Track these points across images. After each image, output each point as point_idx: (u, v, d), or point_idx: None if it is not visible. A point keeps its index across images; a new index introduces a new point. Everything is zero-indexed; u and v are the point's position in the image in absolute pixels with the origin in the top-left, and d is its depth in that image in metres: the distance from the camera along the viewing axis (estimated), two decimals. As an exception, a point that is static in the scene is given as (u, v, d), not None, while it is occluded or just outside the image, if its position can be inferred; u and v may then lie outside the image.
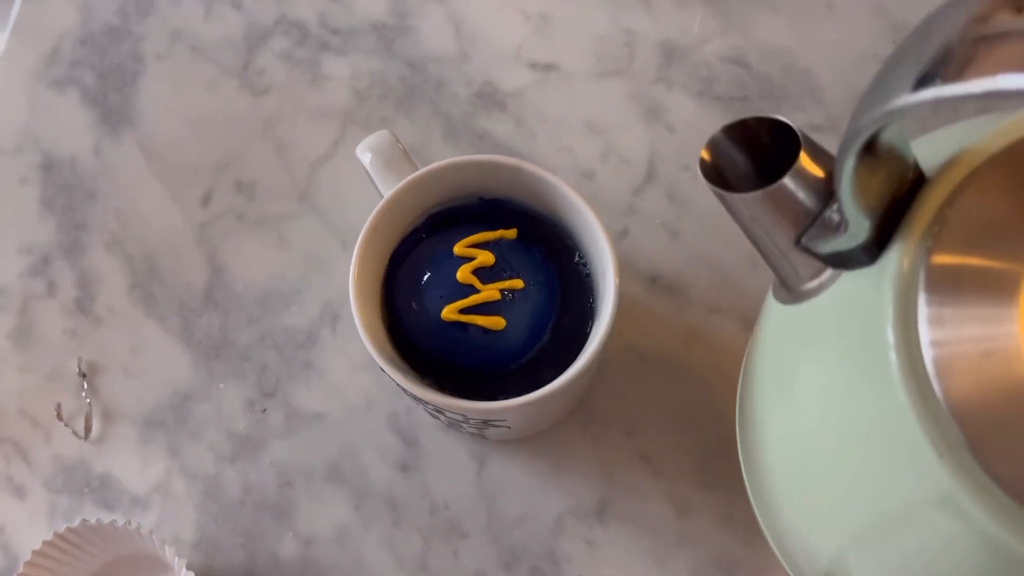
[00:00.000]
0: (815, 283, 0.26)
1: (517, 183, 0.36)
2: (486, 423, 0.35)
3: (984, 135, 0.25)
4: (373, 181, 0.37)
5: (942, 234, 0.23)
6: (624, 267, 0.43)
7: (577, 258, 0.37)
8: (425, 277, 0.36)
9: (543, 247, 0.37)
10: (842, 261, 0.25)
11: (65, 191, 0.47)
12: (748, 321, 0.43)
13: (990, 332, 0.22)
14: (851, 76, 0.46)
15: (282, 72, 0.48)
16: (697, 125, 0.46)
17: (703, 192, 0.45)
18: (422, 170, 0.35)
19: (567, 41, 0.48)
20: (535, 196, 0.36)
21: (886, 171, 0.24)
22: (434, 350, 0.36)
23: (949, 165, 0.25)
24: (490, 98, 0.47)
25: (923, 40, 0.20)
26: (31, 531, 0.42)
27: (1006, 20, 0.18)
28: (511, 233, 0.36)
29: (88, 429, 0.43)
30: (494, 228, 0.36)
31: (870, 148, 0.22)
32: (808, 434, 0.28)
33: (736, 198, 0.25)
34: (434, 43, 0.48)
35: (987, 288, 0.23)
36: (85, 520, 0.38)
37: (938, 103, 0.19)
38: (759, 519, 0.33)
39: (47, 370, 0.44)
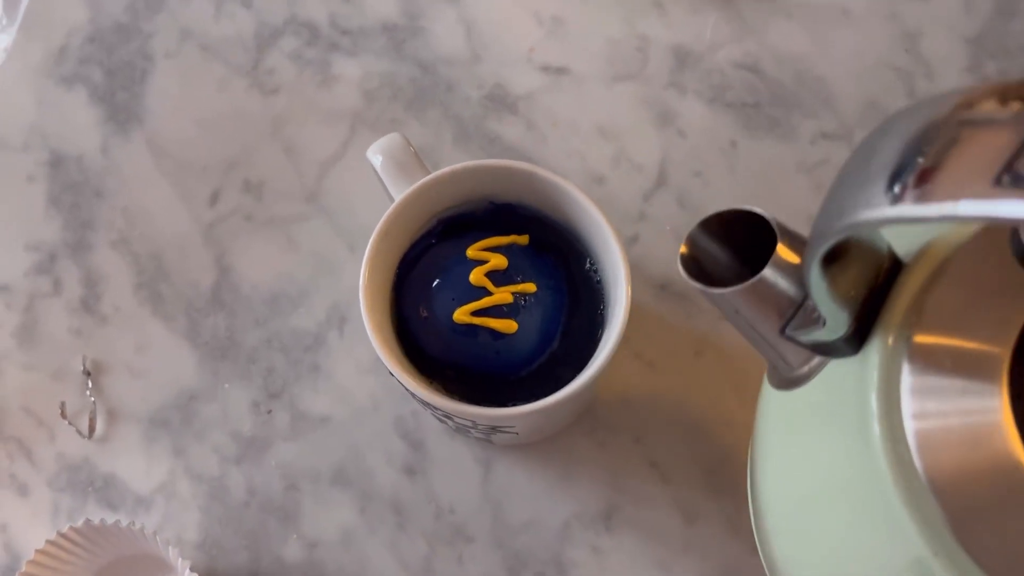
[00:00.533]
0: (805, 369, 0.27)
1: (529, 188, 0.36)
2: (494, 429, 0.35)
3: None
4: (383, 184, 0.37)
5: (921, 321, 0.24)
6: (634, 273, 0.43)
7: (588, 264, 0.37)
8: (436, 280, 0.36)
9: (554, 253, 0.37)
10: (826, 350, 0.25)
11: (72, 189, 0.47)
12: (758, 329, 0.42)
13: (973, 411, 0.23)
14: (865, 84, 0.46)
15: (292, 72, 0.48)
16: (709, 131, 0.46)
17: (714, 198, 0.45)
18: (433, 174, 0.35)
19: (579, 44, 0.48)
20: (547, 201, 0.36)
21: (859, 265, 0.24)
22: (443, 355, 0.36)
23: (924, 252, 0.25)
24: (501, 101, 0.47)
25: (882, 148, 0.20)
26: (34, 529, 0.42)
27: (991, 108, 0.18)
28: (523, 239, 0.36)
29: (92, 428, 0.43)
30: (506, 233, 0.36)
31: (840, 247, 0.23)
32: (802, 506, 0.28)
33: (717, 294, 0.25)
34: (445, 45, 0.48)
35: (969, 369, 0.23)
36: (89, 520, 0.38)
37: (902, 222, 0.19)
38: (761, 557, 0.33)
39: (52, 368, 0.44)
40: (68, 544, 0.39)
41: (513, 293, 0.34)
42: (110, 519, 0.38)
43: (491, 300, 0.34)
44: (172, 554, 0.37)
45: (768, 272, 0.24)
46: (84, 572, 0.40)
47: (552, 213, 0.37)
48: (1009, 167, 0.17)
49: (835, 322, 0.24)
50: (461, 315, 0.34)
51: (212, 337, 0.44)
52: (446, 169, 0.35)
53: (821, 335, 0.24)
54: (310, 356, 0.44)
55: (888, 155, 0.19)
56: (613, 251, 0.34)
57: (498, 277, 0.35)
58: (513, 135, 0.46)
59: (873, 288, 0.25)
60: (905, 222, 0.19)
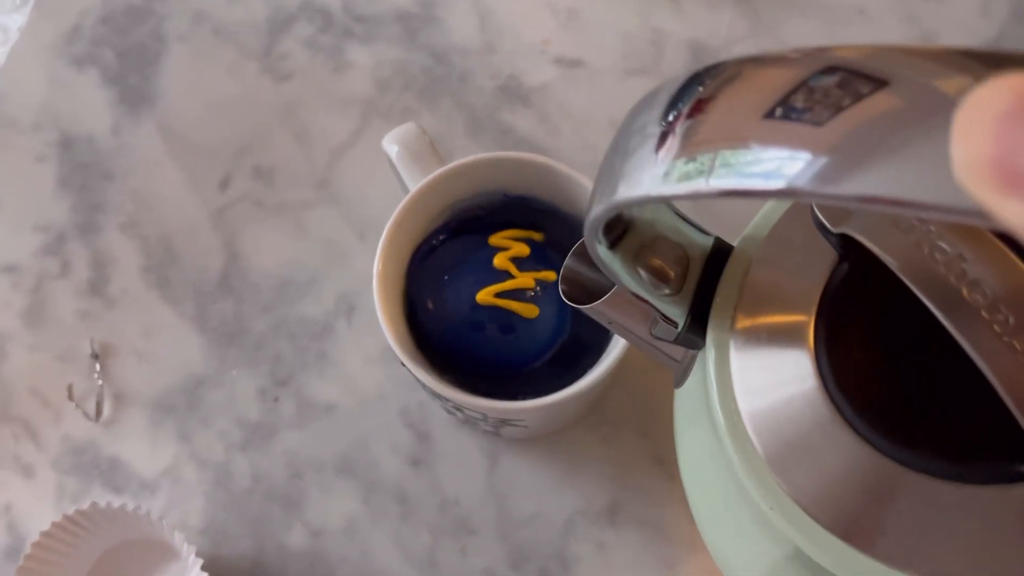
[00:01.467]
0: (683, 366, 0.28)
1: (545, 181, 0.36)
2: (504, 422, 0.35)
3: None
4: (398, 174, 0.37)
5: (742, 303, 0.25)
6: (644, 269, 0.43)
7: (601, 259, 0.37)
8: (454, 269, 0.36)
9: (568, 246, 0.37)
10: (687, 344, 0.26)
11: (82, 170, 0.46)
12: (767, 328, 0.42)
13: (790, 381, 0.24)
14: (879, 84, 0.46)
15: (305, 58, 0.48)
16: (722, 128, 0.46)
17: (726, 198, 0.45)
18: (449, 166, 0.35)
19: (594, 37, 0.47)
20: (562, 195, 0.36)
21: (666, 260, 0.25)
22: (456, 346, 0.36)
23: (745, 238, 0.26)
24: (514, 92, 0.47)
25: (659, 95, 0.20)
26: (38, 511, 0.42)
27: (781, 51, 0.18)
28: (538, 236, 0.36)
29: (99, 411, 0.43)
30: (521, 226, 0.36)
31: (629, 239, 0.24)
32: (698, 500, 0.30)
33: (586, 309, 0.26)
34: (459, 34, 0.48)
35: (783, 342, 0.24)
36: (95, 503, 0.38)
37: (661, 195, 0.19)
38: None
39: (59, 350, 0.44)
40: (73, 527, 0.39)
41: (535, 279, 0.34)
42: (115, 502, 0.38)
43: (513, 283, 0.34)
44: (178, 539, 0.37)
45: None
46: (89, 555, 0.40)
47: (567, 207, 0.37)
48: (784, 101, 0.17)
49: (671, 313, 0.25)
50: (485, 295, 0.34)
51: (220, 323, 0.44)
52: (462, 160, 0.35)
53: (670, 330, 0.26)
54: (317, 344, 0.43)
55: (664, 96, 0.19)
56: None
57: (520, 264, 0.35)
58: (526, 127, 0.46)
59: (702, 278, 0.26)
60: (669, 194, 0.18)
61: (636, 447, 0.41)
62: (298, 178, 0.46)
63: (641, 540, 0.40)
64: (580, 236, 0.37)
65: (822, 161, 0.16)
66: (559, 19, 0.48)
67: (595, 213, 0.21)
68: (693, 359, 0.27)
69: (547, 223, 0.37)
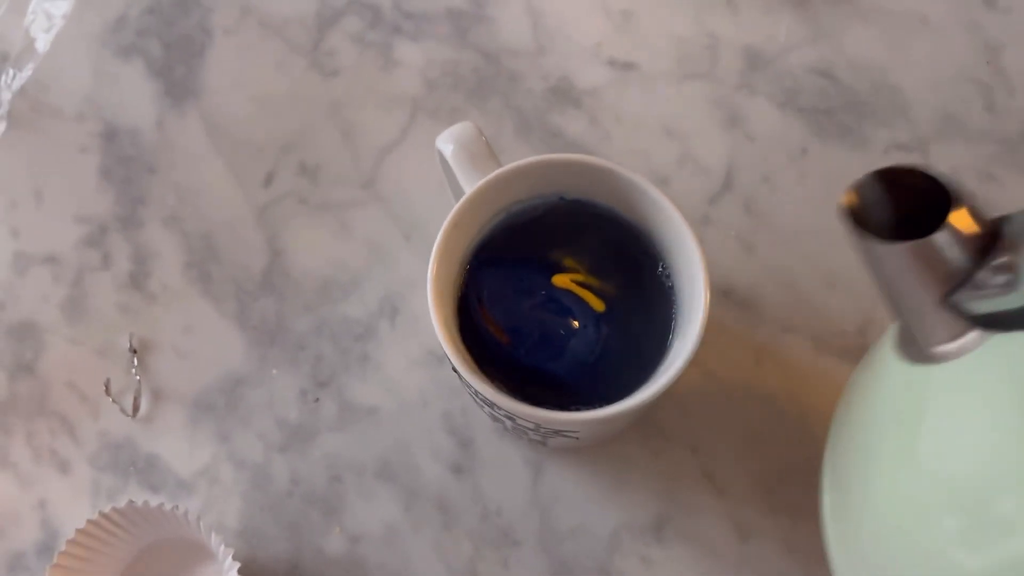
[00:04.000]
0: (955, 345, 0.24)
1: (604, 185, 0.35)
2: (556, 433, 0.34)
3: None
4: (451, 173, 0.36)
5: None
6: (696, 278, 0.42)
7: (660, 268, 0.36)
8: (511, 271, 0.35)
9: (624, 253, 0.36)
10: (1002, 323, 0.23)
11: (125, 162, 0.46)
12: (822, 343, 0.41)
13: None
14: (942, 95, 0.45)
15: (353, 54, 0.47)
16: (778, 135, 0.45)
17: (781, 205, 0.44)
18: (508, 167, 0.34)
19: (648, 40, 0.46)
20: (620, 199, 0.35)
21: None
22: (509, 351, 0.35)
23: None
24: (565, 94, 0.46)
25: None
26: (73, 507, 0.41)
27: None
28: (599, 306, 0.35)
29: (136, 407, 0.42)
30: (577, 228, 0.35)
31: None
32: (934, 503, 0.25)
33: (883, 249, 0.23)
34: (511, 35, 0.47)
35: None
36: (132, 501, 0.37)
37: None
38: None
39: (97, 344, 0.43)
40: (109, 525, 0.38)
41: (601, 284, 0.34)
42: (152, 501, 0.37)
43: (580, 277, 0.34)
44: (214, 541, 0.37)
45: (941, 235, 0.23)
46: (124, 554, 0.39)
47: (624, 212, 0.36)
48: None
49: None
50: (561, 279, 0.34)
51: (261, 321, 0.43)
52: (521, 162, 0.34)
53: (1006, 303, 0.23)
54: (360, 345, 0.43)
55: None
56: (692, 258, 0.33)
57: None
58: (576, 130, 0.45)
59: None
60: None
61: (685, 462, 0.40)
62: (343, 176, 0.45)
63: (687, 557, 0.39)
64: (638, 242, 0.36)
65: None
66: (613, 21, 0.47)
67: None
68: (979, 342, 0.24)
69: (602, 226, 0.36)
